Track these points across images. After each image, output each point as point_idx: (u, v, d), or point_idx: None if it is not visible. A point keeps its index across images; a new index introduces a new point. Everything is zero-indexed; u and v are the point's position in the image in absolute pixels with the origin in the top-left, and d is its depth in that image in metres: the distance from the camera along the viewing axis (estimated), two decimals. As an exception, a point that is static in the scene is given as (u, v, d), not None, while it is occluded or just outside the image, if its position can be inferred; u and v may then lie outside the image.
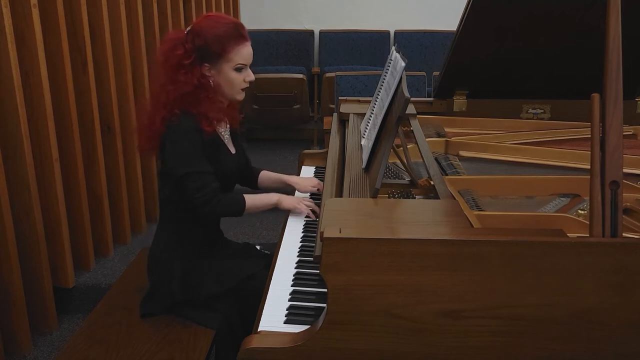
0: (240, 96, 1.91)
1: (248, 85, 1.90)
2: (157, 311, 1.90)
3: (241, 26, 1.85)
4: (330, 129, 2.39)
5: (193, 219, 1.90)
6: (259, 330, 1.36)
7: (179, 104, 1.80)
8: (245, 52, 1.84)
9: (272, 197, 1.96)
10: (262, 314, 1.44)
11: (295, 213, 1.97)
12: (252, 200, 1.92)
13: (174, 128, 1.79)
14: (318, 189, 2.12)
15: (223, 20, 1.85)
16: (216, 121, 1.87)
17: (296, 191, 2.15)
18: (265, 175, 2.21)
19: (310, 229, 1.89)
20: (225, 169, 1.92)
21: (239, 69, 1.85)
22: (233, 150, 1.99)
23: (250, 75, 1.88)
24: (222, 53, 1.81)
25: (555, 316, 1.20)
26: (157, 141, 1.84)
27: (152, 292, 1.93)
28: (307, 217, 1.95)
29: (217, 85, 1.85)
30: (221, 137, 1.94)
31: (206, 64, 1.82)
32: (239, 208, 1.89)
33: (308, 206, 1.95)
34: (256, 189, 2.20)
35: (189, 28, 1.84)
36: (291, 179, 2.18)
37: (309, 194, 2.14)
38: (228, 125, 1.99)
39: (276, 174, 2.22)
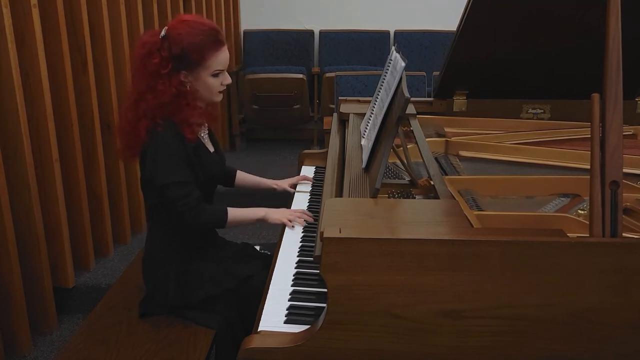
0: (218, 98, 1.90)
1: (225, 88, 1.89)
2: (155, 313, 1.90)
3: (217, 31, 1.83)
4: (330, 129, 2.39)
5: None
6: (259, 330, 1.36)
7: (160, 113, 1.78)
8: (222, 58, 1.82)
9: (258, 212, 1.92)
10: (262, 314, 1.44)
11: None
12: (237, 213, 1.89)
13: (156, 136, 1.77)
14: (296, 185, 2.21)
15: (200, 26, 1.80)
16: (197, 126, 1.86)
17: (293, 204, 2.13)
18: (241, 176, 2.23)
19: (310, 229, 1.88)
20: (209, 170, 1.91)
21: (216, 75, 1.83)
22: (211, 149, 1.99)
23: (227, 79, 1.87)
24: (200, 61, 1.78)
25: (555, 316, 1.20)
26: (139, 148, 1.83)
27: (149, 296, 1.93)
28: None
29: (194, 91, 1.83)
30: (201, 138, 1.92)
31: (183, 71, 1.80)
32: (222, 220, 1.86)
33: (299, 216, 1.91)
34: (232, 186, 2.23)
35: (163, 33, 1.80)
36: (267, 181, 2.25)
37: (306, 204, 2.11)
38: (206, 125, 1.98)
39: (252, 176, 2.26)
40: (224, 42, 1.84)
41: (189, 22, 1.81)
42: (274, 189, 2.26)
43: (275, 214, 1.92)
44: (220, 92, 1.88)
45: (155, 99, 1.77)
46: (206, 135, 1.98)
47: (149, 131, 1.78)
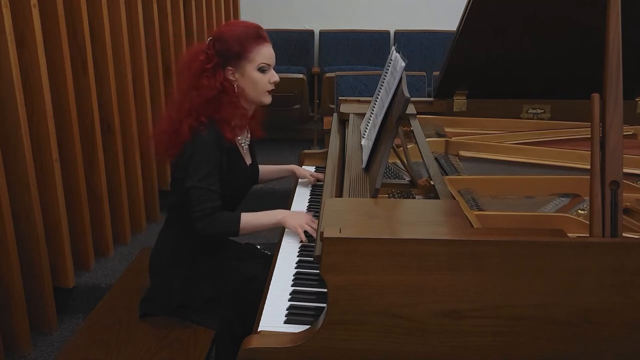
0: (267, 99, 1.90)
1: (273, 87, 1.89)
2: (156, 313, 1.90)
3: (261, 29, 1.86)
4: (330, 129, 2.39)
5: None
6: (259, 330, 1.36)
7: (204, 111, 1.79)
8: (266, 52, 1.84)
9: (275, 215, 1.84)
10: (262, 314, 1.44)
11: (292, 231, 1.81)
12: (251, 218, 1.82)
13: (199, 140, 1.77)
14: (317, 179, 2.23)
15: (242, 23, 1.87)
16: (238, 129, 1.87)
17: (294, 201, 2.13)
18: (263, 169, 2.21)
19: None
20: (238, 179, 1.91)
21: (262, 70, 1.84)
22: (249, 162, 2.00)
23: (274, 76, 1.87)
24: (243, 53, 1.81)
25: (555, 316, 1.20)
26: (179, 148, 1.82)
27: (153, 294, 1.93)
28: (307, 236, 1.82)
29: (241, 90, 1.85)
30: (240, 147, 1.93)
31: (230, 68, 1.82)
32: (234, 228, 1.80)
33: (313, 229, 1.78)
34: (256, 183, 2.20)
35: (210, 37, 1.87)
36: (288, 166, 2.29)
37: (306, 203, 2.10)
38: (249, 136, 1.99)
39: (271, 166, 2.26)
40: (268, 40, 1.86)
41: (231, 22, 1.92)
42: (294, 174, 2.28)
43: (293, 220, 1.81)
44: (268, 92, 1.88)
45: (199, 96, 1.79)
46: (247, 146, 1.99)
47: (192, 130, 1.78)
